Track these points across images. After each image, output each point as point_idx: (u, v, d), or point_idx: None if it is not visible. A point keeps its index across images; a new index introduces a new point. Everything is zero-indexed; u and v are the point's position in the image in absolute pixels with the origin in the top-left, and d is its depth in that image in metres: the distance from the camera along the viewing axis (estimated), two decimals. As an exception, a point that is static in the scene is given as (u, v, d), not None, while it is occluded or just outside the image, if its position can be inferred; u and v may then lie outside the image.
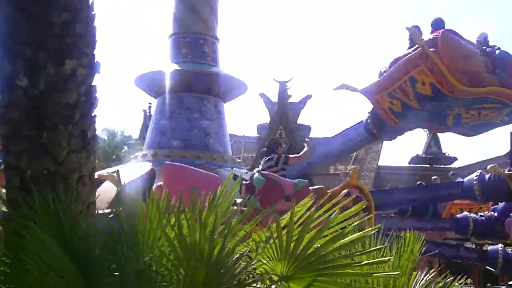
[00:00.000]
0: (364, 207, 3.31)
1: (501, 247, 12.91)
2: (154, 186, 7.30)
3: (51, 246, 2.79)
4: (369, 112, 10.46)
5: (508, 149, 12.59)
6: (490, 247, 13.14)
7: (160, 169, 8.16)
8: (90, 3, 3.80)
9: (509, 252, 12.65)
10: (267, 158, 9.09)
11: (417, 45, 8.79)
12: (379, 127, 10.28)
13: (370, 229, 3.24)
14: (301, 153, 9.65)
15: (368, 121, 10.45)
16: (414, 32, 8.71)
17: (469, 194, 11.83)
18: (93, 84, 3.78)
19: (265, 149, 10.18)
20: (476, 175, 11.44)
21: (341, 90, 9.84)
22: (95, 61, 3.83)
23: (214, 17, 12.78)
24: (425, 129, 10.29)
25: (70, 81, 3.57)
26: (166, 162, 8.73)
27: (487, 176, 11.27)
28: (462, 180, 12.62)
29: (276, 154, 9.42)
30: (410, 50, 9.00)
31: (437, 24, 9.48)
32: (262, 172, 8.29)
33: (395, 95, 9.20)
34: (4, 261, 3.08)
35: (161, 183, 7.43)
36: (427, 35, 9.31)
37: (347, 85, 9.73)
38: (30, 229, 2.87)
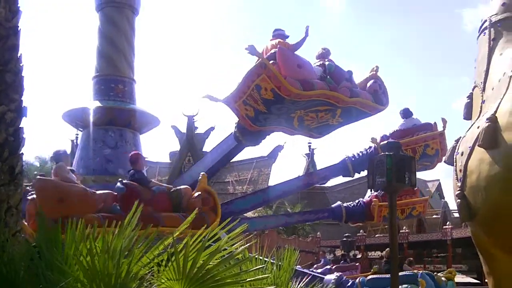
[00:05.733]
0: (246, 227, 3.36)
1: (340, 203, 13.87)
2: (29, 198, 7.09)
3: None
4: (236, 123, 10.42)
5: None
6: (334, 205, 14.07)
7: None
8: (18, 56, 3.69)
9: (348, 205, 13.72)
10: None
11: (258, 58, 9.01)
12: (243, 134, 10.19)
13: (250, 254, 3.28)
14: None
15: (236, 129, 10.40)
16: (253, 50, 8.95)
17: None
18: (20, 126, 3.65)
19: None
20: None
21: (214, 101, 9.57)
22: (23, 106, 3.70)
23: (130, 63, 12.70)
24: (282, 131, 10.11)
25: (0, 123, 3.43)
26: (38, 176, 8.43)
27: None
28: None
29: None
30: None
31: (280, 35, 9.75)
32: (124, 181, 8.13)
33: (248, 102, 9.34)
34: None
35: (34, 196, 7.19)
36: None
37: (211, 96, 9.61)
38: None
